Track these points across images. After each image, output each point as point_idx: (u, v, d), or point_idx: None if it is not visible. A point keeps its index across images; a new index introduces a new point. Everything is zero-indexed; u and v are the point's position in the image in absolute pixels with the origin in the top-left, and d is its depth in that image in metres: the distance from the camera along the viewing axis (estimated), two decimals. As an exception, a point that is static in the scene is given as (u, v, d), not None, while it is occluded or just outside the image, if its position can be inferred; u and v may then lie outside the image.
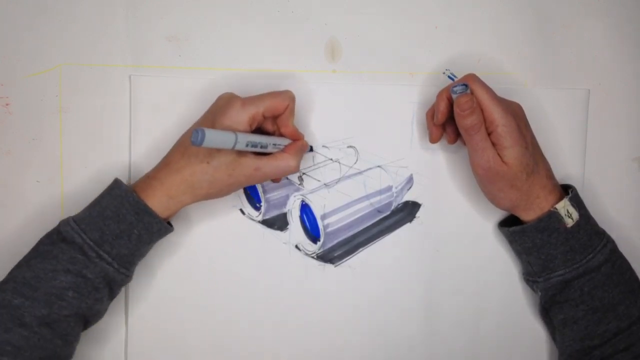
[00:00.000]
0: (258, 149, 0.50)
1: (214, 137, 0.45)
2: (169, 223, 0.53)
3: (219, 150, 0.49)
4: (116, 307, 0.57)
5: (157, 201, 0.50)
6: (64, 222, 0.50)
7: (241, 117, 0.49)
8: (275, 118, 0.53)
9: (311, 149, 0.58)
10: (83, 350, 0.57)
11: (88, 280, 0.48)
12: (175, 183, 0.50)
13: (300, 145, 0.53)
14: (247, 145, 0.48)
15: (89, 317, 0.50)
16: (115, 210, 0.49)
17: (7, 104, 0.56)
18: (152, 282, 0.57)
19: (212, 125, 0.49)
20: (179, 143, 0.52)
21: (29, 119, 0.56)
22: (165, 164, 0.51)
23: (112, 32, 0.57)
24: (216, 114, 0.50)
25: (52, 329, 0.47)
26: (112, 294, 0.52)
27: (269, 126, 0.54)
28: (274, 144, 0.51)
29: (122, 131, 0.57)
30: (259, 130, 0.54)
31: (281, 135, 0.53)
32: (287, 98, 0.51)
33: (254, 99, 0.50)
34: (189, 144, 0.50)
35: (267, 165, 0.51)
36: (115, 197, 0.50)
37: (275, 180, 0.57)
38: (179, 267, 0.58)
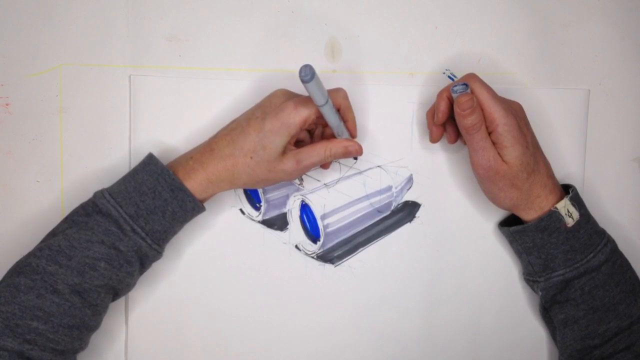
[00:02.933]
0: (331, 122, 0.51)
1: (316, 86, 0.46)
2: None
3: (264, 148, 0.49)
4: (116, 307, 0.57)
5: (197, 184, 0.51)
6: (99, 195, 0.50)
7: (293, 120, 0.49)
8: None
9: (355, 158, 0.59)
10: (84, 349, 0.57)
11: (121, 253, 0.49)
12: (217, 170, 0.50)
13: (345, 143, 0.53)
14: (330, 112, 0.50)
15: (118, 289, 0.51)
16: (152, 187, 0.50)
17: (7, 104, 0.56)
18: (153, 281, 0.57)
19: (262, 127, 0.49)
20: (227, 131, 0.52)
21: (29, 119, 0.56)
22: (210, 150, 0.51)
23: (112, 32, 0.57)
24: (267, 114, 0.50)
25: (82, 298, 0.48)
26: (142, 269, 0.52)
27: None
28: (338, 134, 0.53)
29: (122, 131, 0.57)
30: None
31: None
32: (339, 97, 0.52)
33: (306, 101, 0.50)
34: (237, 135, 0.50)
35: (306, 157, 0.51)
36: (152, 173, 0.50)
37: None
38: (179, 267, 0.58)
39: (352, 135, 0.55)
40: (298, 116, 0.49)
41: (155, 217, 0.50)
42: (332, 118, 0.51)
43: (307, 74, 0.45)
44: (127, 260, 0.49)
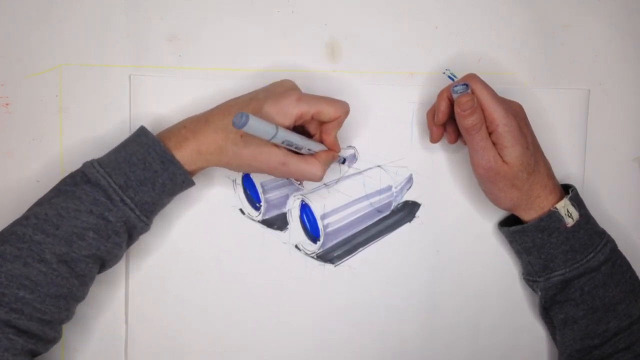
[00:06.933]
0: (292, 148, 0.50)
1: (255, 126, 0.45)
2: None
3: None
4: (116, 306, 0.57)
5: (187, 154, 0.50)
6: (88, 164, 0.50)
7: (291, 110, 0.49)
8: (322, 123, 0.52)
9: (344, 161, 0.58)
10: (83, 349, 0.57)
11: (109, 223, 0.48)
12: (208, 140, 0.50)
13: (332, 156, 0.53)
14: (283, 142, 0.48)
15: (106, 260, 0.50)
16: (142, 158, 0.49)
17: (7, 104, 0.56)
18: (153, 281, 0.57)
19: (261, 108, 0.49)
20: (226, 106, 0.52)
21: (29, 119, 0.56)
22: (205, 121, 0.51)
23: (112, 32, 0.57)
24: (269, 98, 0.50)
25: (70, 268, 0.48)
26: (130, 240, 0.52)
27: (312, 127, 0.53)
28: (309, 149, 0.51)
29: (122, 131, 0.57)
30: (301, 127, 0.53)
31: (321, 139, 0.53)
32: (342, 110, 0.51)
33: (310, 98, 0.50)
34: (235, 111, 0.50)
35: (294, 164, 0.50)
36: (142, 144, 0.50)
37: (296, 180, 0.58)
38: (179, 267, 0.58)
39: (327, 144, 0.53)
40: (297, 108, 0.49)
41: (145, 189, 0.49)
42: (295, 141, 0.49)
43: (239, 120, 0.44)
44: (116, 231, 0.49)
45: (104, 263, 0.51)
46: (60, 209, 0.48)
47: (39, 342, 0.47)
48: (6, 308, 0.45)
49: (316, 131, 0.53)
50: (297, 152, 0.51)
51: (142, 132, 0.51)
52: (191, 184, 0.52)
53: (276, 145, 0.50)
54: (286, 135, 0.48)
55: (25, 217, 0.48)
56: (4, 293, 0.45)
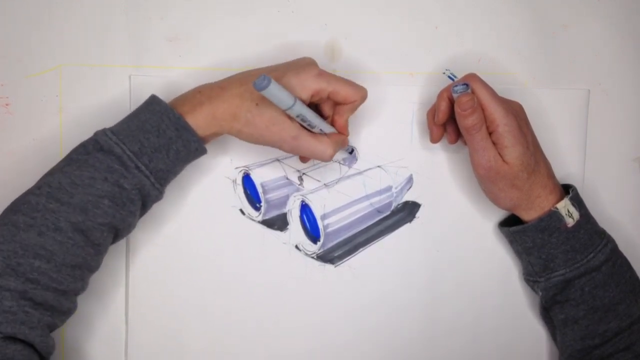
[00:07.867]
0: (305, 125, 0.50)
1: (275, 91, 0.45)
2: None
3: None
4: (117, 306, 0.57)
5: (202, 117, 0.49)
6: (101, 133, 0.49)
7: (309, 84, 0.49)
8: (336, 104, 0.53)
9: (352, 151, 0.58)
10: (84, 349, 0.57)
11: (124, 190, 0.48)
12: (224, 105, 0.49)
13: (342, 139, 0.53)
14: (297, 116, 0.49)
15: (120, 229, 0.49)
16: (156, 125, 0.49)
17: (7, 104, 0.56)
18: (153, 281, 0.57)
19: (281, 77, 0.49)
20: (243, 75, 0.51)
21: (29, 119, 0.56)
22: (221, 87, 0.51)
23: (112, 32, 0.57)
24: (290, 69, 0.50)
25: (85, 236, 0.47)
26: (144, 209, 0.51)
27: (326, 108, 0.53)
28: (321, 130, 0.51)
29: (122, 131, 0.57)
30: (316, 107, 0.54)
31: (333, 121, 0.53)
32: (359, 94, 0.51)
33: (330, 76, 0.50)
34: (251, 79, 0.49)
35: (305, 140, 0.50)
36: (155, 112, 0.49)
37: (303, 160, 0.57)
38: (179, 267, 0.58)
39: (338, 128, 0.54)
40: (316, 83, 0.49)
41: (160, 156, 0.49)
42: (309, 117, 0.49)
43: (261, 82, 0.44)
44: (130, 199, 0.48)
45: (117, 232, 0.50)
46: (74, 177, 0.47)
47: (55, 314, 0.46)
48: (22, 278, 0.44)
49: (329, 113, 0.53)
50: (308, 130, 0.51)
51: (153, 100, 0.50)
52: (204, 151, 0.51)
53: (290, 118, 0.49)
54: (302, 110, 0.48)
55: (38, 187, 0.47)
56: (20, 263, 0.44)
